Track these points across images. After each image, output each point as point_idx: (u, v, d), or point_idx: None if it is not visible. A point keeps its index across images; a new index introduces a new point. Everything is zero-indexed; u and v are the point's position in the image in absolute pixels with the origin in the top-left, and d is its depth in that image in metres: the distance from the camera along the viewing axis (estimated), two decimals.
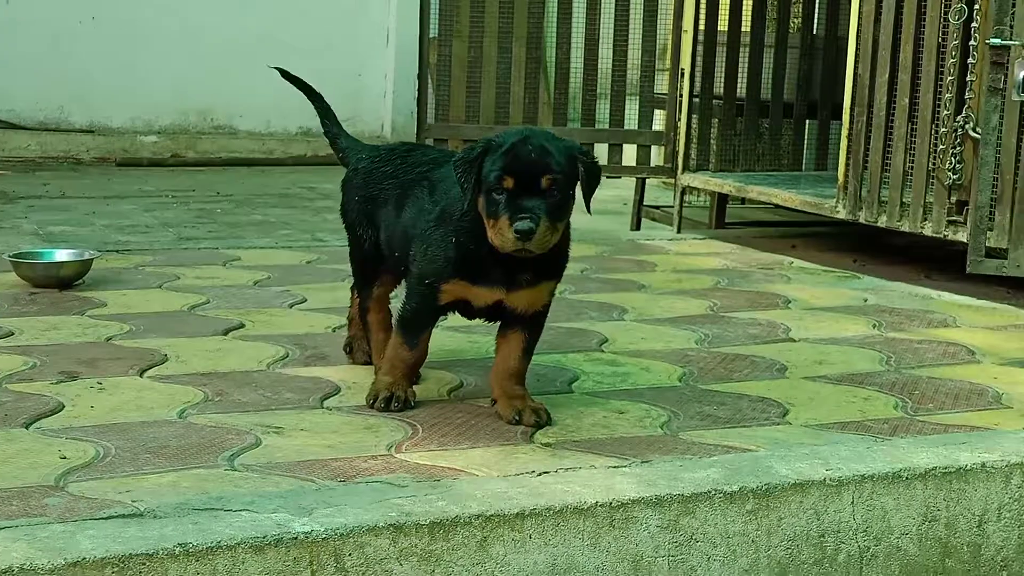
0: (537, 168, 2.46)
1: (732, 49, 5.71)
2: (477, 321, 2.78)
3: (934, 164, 4.26)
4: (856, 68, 4.63)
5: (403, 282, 2.82)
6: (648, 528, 2.24)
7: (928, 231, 4.32)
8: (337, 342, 3.21)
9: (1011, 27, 3.81)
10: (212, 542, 1.96)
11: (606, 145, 5.81)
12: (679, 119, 5.60)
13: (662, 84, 5.88)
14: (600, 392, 2.92)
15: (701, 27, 5.60)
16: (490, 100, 5.61)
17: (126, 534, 1.97)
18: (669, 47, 5.71)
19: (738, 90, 5.77)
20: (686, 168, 5.62)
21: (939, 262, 4.82)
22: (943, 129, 4.21)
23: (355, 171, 3.00)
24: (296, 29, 8.47)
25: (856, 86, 4.63)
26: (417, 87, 5.70)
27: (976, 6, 4.08)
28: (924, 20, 4.35)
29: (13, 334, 3.25)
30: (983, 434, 2.69)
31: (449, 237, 2.60)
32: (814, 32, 5.97)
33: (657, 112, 5.81)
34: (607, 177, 6.10)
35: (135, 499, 2.12)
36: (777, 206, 5.56)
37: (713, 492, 2.29)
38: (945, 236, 4.28)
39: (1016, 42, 3.78)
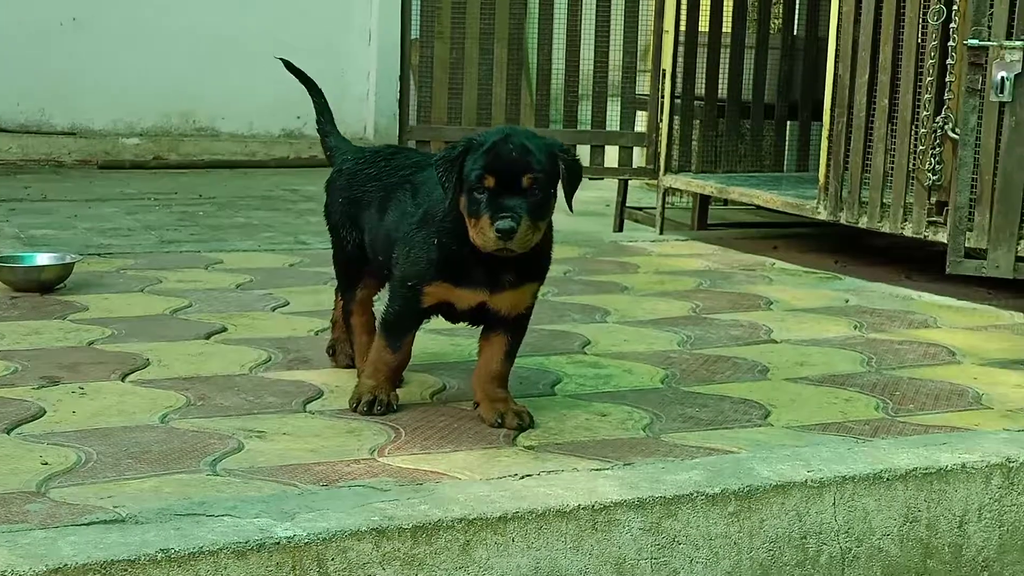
0: (518, 167, 2.47)
1: (713, 50, 5.72)
2: (460, 324, 2.78)
3: (914, 165, 4.28)
4: (836, 69, 4.65)
5: (387, 285, 2.82)
6: (631, 531, 2.24)
7: (908, 232, 4.34)
8: (320, 345, 3.21)
9: (989, 28, 3.83)
10: (194, 548, 1.96)
11: (588, 146, 5.81)
12: (661, 120, 5.61)
13: (644, 85, 5.89)
14: (583, 394, 2.93)
15: (682, 28, 5.61)
16: (472, 102, 5.62)
17: (108, 540, 1.97)
18: (650, 48, 5.72)
19: (719, 91, 5.79)
20: (668, 169, 5.63)
21: (920, 263, 4.85)
22: (923, 130, 4.23)
23: (339, 172, 3.00)
24: (278, 30, 8.45)
25: (836, 87, 4.65)
26: (399, 89, 5.69)
27: (955, 7, 4.10)
28: (903, 21, 4.37)
29: None
30: (963, 435, 2.71)
31: (431, 239, 2.61)
32: (795, 33, 5.99)
33: (639, 113, 5.81)
34: (589, 179, 6.09)
35: (117, 505, 2.12)
36: (759, 207, 5.57)
37: (695, 494, 2.29)
38: (925, 237, 4.30)
39: (994, 43, 3.80)
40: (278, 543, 2.01)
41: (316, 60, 8.51)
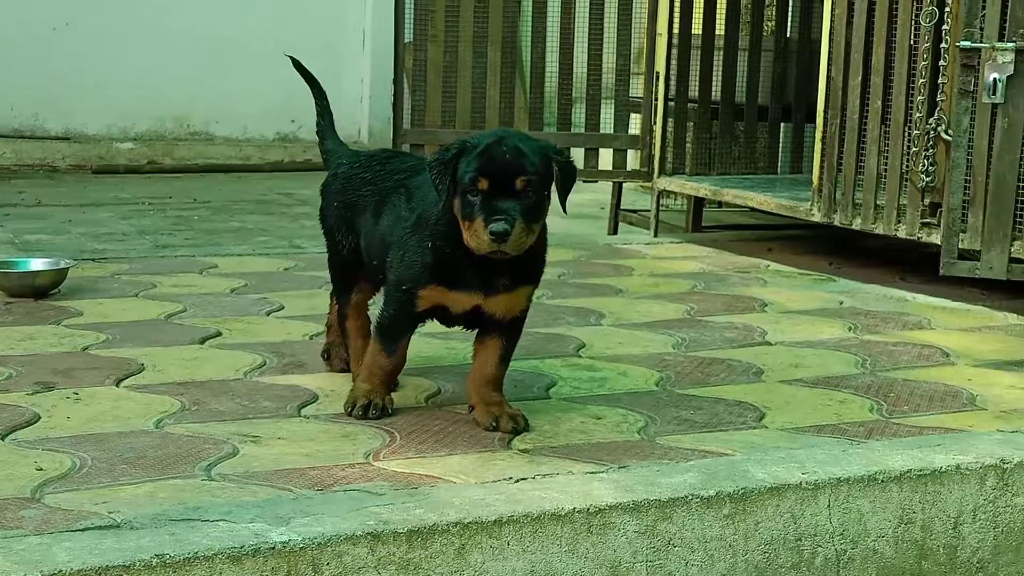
0: (512, 169, 2.47)
1: (706, 52, 5.73)
2: (455, 328, 2.78)
3: (907, 167, 4.28)
4: (829, 71, 4.65)
5: (382, 289, 2.82)
6: (626, 534, 2.24)
7: (902, 233, 4.35)
8: (315, 350, 3.21)
9: (981, 29, 3.84)
10: (189, 553, 1.96)
11: (582, 149, 5.81)
12: (655, 123, 5.62)
13: (637, 88, 5.89)
14: (577, 397, 2.93)
15: (675, 31, 5.61)
16: (466, 105, 5.62)
17: (103, 546, 1.96)
18: (644, 51, 5.72)
19: (713, 93, 5.79)
20: (662, 172, 5.64)
21: (914, 264, 4.86)
22: (916, 132, 4.24)
23: (334, 176, 3.00)
24: (272, 35, 8.45)
25: (829, 89, 4.66)
26: (393, 92, 5.69)
27: (947, 9, 4.11)
28: (896, 23, 4.38)
29: None
30: (958, 436, 2.71)
31: (425, 242, 2.61)
32: (788, 35, 6.00)
33: (633, 116, 5.82)
34: (583, 181, 6.11)
35: (112, 510, 2.12)
36: (753, 209, 5.58)
37: (690, 497, 2.30)
38: (919, 238, 4.30)
39: (986, 44, 3.80)
40: (273, 548, 2.01)
41: (311, 64, 8.53)
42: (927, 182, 4.20)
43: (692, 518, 2.29)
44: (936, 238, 4.12)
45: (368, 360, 2.75)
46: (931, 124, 4.16)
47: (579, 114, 5.86)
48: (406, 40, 5.70)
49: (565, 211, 2.64)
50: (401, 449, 2.51)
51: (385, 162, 2.91)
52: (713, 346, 3.47)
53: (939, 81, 4.14)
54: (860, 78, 4.52)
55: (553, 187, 2.55)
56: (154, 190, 7.12)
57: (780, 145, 6.06)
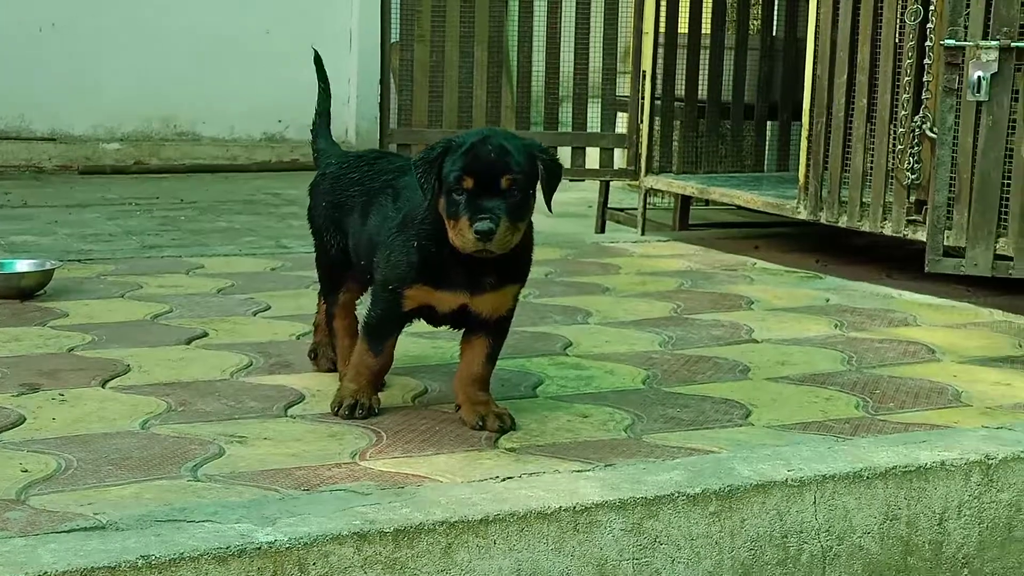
0: (497, 168, 2.47)
1: (693, 51, 5.74)
2: (442, 328, 2.78)
3: (893, 164, 4.30)
4: (815, 70, 4.67)
5: (369, 289, 2.82)
6: (612, 532, 2.25)
7: (888, 231, 4.36)
8: (301, 350, 3.21)
9: (965, 28, 3.85)
10: (175, 554, 1.95)
11: (569, 148, 5.82)
12: (641, 121, 5.62)
13: (624, 87, 5.90)
14: (564, 396, 2.93)
15: (662, 29, 5.62)
16: (453, 104, 5.62)
17: (88, 547, 1.96)
18: (630, 50, 5.73)
19: (699, 92, 5.80)
20: (649, 170, 5.64)
21: (900, 261, 4.87)
22: (901, 129, 4.25)
23: (323, 176, 3.01)
24: (258, 34, 8.44)
25: (815, 88, 4.67)
26: (380, 92, 5.69)
27: (931, 7, 4.12)
28: (881, 21, 4.39)
29: None
30: (943, 432, 2.72)
31: (411, 241, 2.61)
32: (774, 34, 6.01)
33: (620, 115, 5.83)
34: (570, 180, 6.12)
35: (97, 512, 2.11)
36: (740, 207, 5.59)
37: (676, 494, 2.30)
38: (905, 235, 4.32)
39: (970, 43, 3.82)
40: (259, 548, 2.00)
41: (296, 65, 8.53)
42: (912, 180, 4.22)
43: (678, 516, 2.30)
44: (922, 235, 4.13)
45: (355, 360, 2.75)
46: (916, 122, 4.18)
47: (566, 113, 5.87)
48: (392, 40, 5.70)
49: (550, 209, 2.64)
50: (388, 449, 2.51)
51: (373, 162, 2.91)
52: (700, 344, 3.48)
53: (924, 79, 4.16)
54: (846, 76, 4.53)
55: (538, 186, 2.56)
56: (141, 190, 7.11)
57: (767, 143, 6.08)
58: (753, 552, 2.36)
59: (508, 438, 2.59)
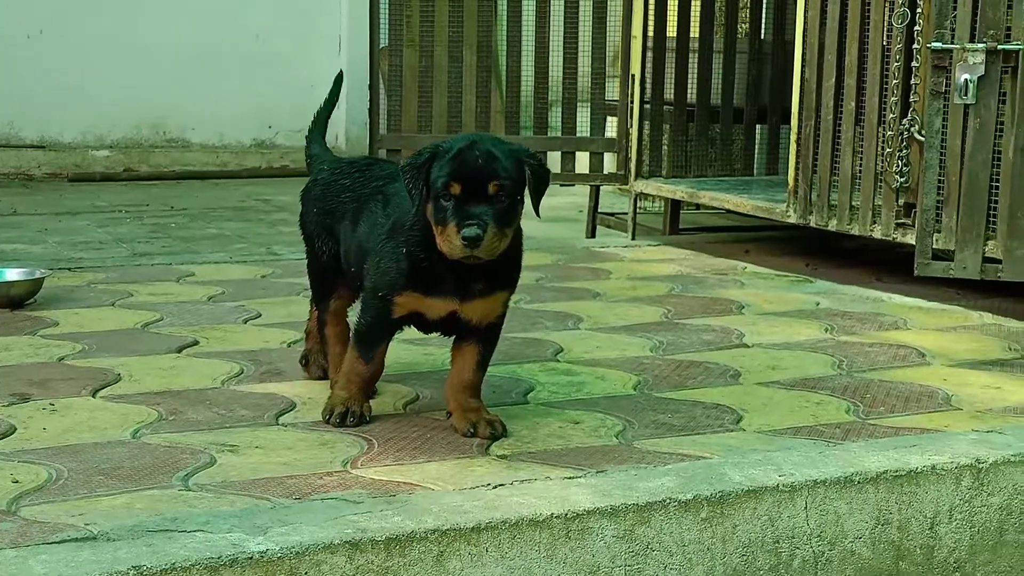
0: (484, 174, 2.47)
1: (681, 55, 5.75)
2: (433, 334, 2.78)
3: (881, 167, 4.31)
4: (803, 73, 4.67)
5: (361, 296, 2.82)
6: (604, 538, 2.25)
7: (878, 234, 4.37)
8: (292, 357, 3.21)
9: (952, 31, 3.87)
10: (166, 564, 1.95)
11: (559, 153, 5.83)
12: (631, 126, 5.63)
13: (613, 91, 5.90)
14: (555, 402, 2.93)
15: (650, 33, 5.63)
16: (442, 109, 5.62)
17: (79, 558, 1.96)
18: (619, 54, 5.74)
19: (688, 96, 5.81)
20: (639, 175, 5.65)
21: (889, 264, 4.88)
22: (889, 132, 4.27)
23: (315, 182, 3.01)
24: (248, 41, 8.44)
25: (803, 91, 4.68)
26: (369, 98, 5.69)
27: (918, 10, 4.13)
28: (868, 24, 4.40)
29: None
30: (933, 436, 2.73)
31: (400, 248, 2.61)
32: (762, 37, 6.02)
33: (609, 119, 5.83)
34: (560, 185, 6.13)
35: (88, 522, 2.11)
36: (729, 211, 5.60)
37: (668, 501, 2.30)
38: (894, 239, 4.33)
39: (957, 46, 3.83)
40: (251, 558, 2.00)
41: (286, 70, 8.55)
42: (901, 183, 4.23)
43: (670, 522, 2.30)
44: (911, 238, 4.14)
45: (346, 367, 2.75)
46: (904, 125, 4.19)
47: (555, 117, 5.87)
48: (382, 45, 5.70)
49: (538, 215, 2.65)
50: (379, 456, 2.51)
51: (365, 169, 2.91)
52: (690, 349, 3.48)
53: (912, 82, 4.17)
54: (834, 80, 4.54)
55: (527, 191, 2.56)
56: (131, 198, 7.10)
57: (756, 147, 6.09)
58: (745, 558, 2.36)
59: (499, 445, 2.59)
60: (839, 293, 4.38)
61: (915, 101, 4.15)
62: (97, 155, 8.22)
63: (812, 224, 4.69)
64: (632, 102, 5.61)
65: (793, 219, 4.78)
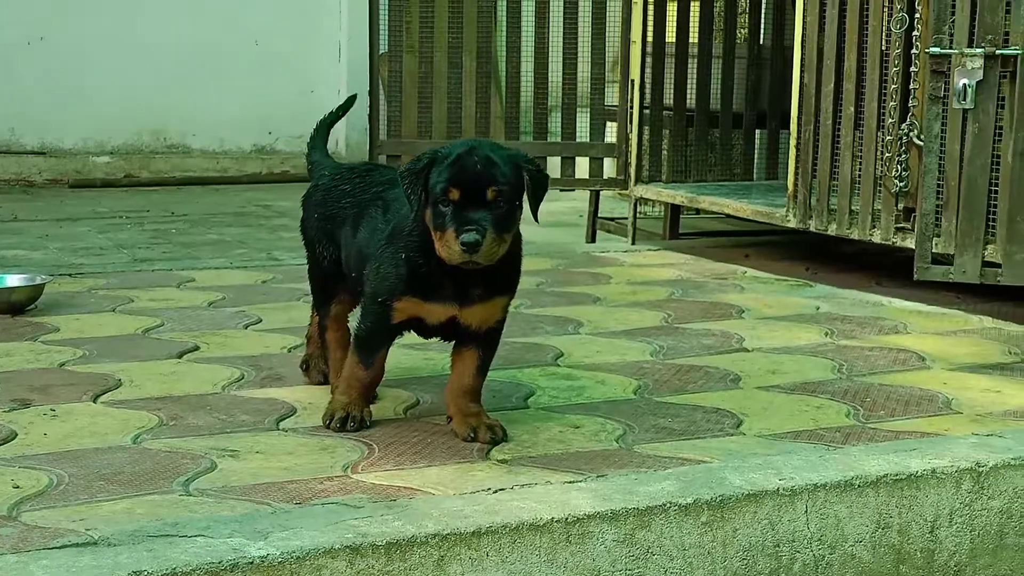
0: (482, 179, 2.48)
1: (680, 60, 5.76)
2: (433, 339, 2.79)
3: (881, 172, 4.31)
4: (802, 78, 4.68)
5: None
6: (604, 543, 2.25)
7: (877, 238, 4.38)
8: (293, 362, 3.21)
9: (950, 36, 3.87)
10: (167, 569, 1.95)
11: (559, 158, 5.83)
12: (630, 131, 5.64)
13: (613, 96, 5.91)
14: (556, 407, 2.94)
15: (649, 39, 5.64)
16: (442, 115, 5.63)
17: (80, 563, 1.96)
18: (618, 59, 5.75)
19: (688, 101, 5.82)
20: (639, 180, 5.66)
21: (889, 268, 4.89)
22: (888, 137, 4.27)
23: (316, 187, 3.02)
24: (248, 46, 8.45)
25: (802, 96, 4.69)
26: (369, 103, 5.70)
27: (917, 15, 4.14)
28: (867, 30, 4.41)
29: None
30: (933, 440, 2.73)
31: (399, 253, 2.62)
32: (761, 42, 6.03)
33: (609, 124, 5.84)
34: (560, 190, 6.14)
35: (89, 527, 2.11)
36: (729, 216, 5.60)
37: (668, 505, 2.30)
38: (894, 243, 4.33)
39: (955, 50, 3.84)
40: (251, 563, 2.00)
41: (286, 76, 8.57)
42: (900, 187, 4.23)
43: (670, 526, 2.30)
44: (910, 243, 4.15)
45: (346, 372, 2.75)
46: (903, 130, 4.20)
47: (555, 123, 5.88)
48: (381, 51, 5.71)
49: (537, 220, 2.65)
50: (380, 461, 2.51)
51: (365, 174, 2.92)
52: (691, 353, 3.48)
53: (911, 87, 4.17)
54: (833, 85, 4.55)
55: (525, 196, 2.56)
56: (131, 204, 7.11)
57: (756, 152, 6.10)
58: (745, 562, 2.37)
59: (500, 450, 2.60)
60: (839, 297, 4.38)
61: (914, 106, 4.16)
62: (98, 161, 8.23)
63: (812, 228, 4.69)
64: (632, 107, 5.62)
65: (793, 223, 4.78)
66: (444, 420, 2.74)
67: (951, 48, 3.85)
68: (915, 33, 4.16)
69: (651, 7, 5.61)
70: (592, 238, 6.01)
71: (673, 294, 4.36)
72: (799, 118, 4.70)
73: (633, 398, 3.03)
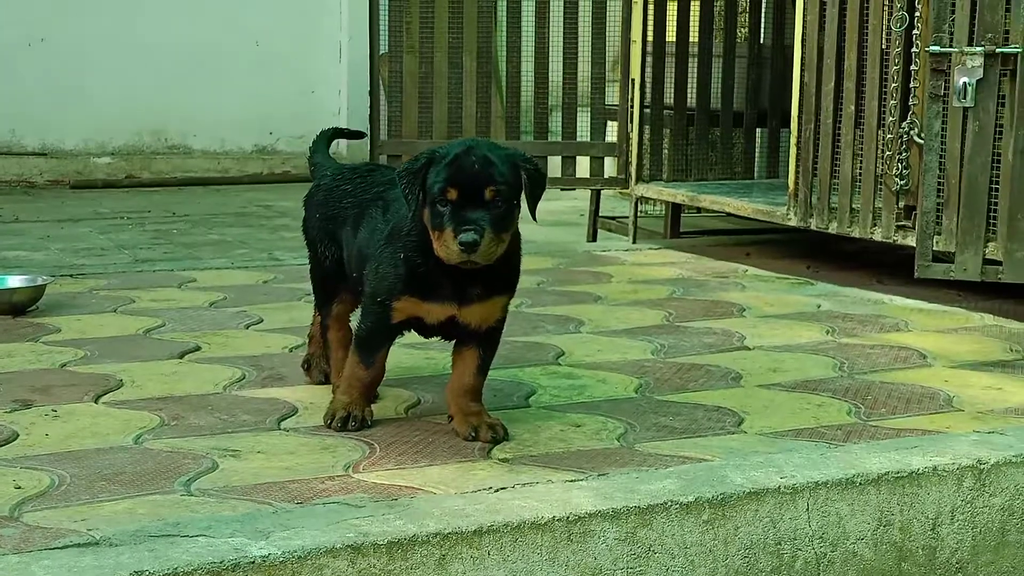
0: (480, 179, 2.48)
1: (681, 59, 5.75)
2: (434, 339, 2.79)
3: (881, 170, 4.31)
4: (802, 77, 4.68)
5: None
6: (606, 541, 2.25)
7: (878, 236, 4.38)
8: (294, 362, 3.21)
9: (950, 34, 3.87)
10: (168, 569, 1.95)
11: (559, 157, 5.83)
12: (631, 130, 5.64)
13: (613, 95, 5.91)
14: (557, 405, 2.94)
15: (649, 38, 5.64)
16: (443, 115, 5.63)
17: (81, 564, 1.96)
18: (619, 58, 5.75)
19: (688, 100, 5.82)
20: (639, 179, 5.66)
21: (890, 267, 4.89)
22: (889, 135, 4.27)
23: (317, 187, 3.02)
24: (248, 47, 8.46)
25: (803, 94, 4.69)
26: (370, 104, 5.70)
27: (917, 14, 4.14)
28: (867, 28, 4.41)
29: None
30: (935, 437, 2.73)
31: (398, 253, 2.62)
32: (761, 41, 6.03)
33: (609, 123, 5.84)
34: (561, 189, 6.14)
35: (91, 528, 2.12)
36: (730, 214, 5.60)
37: (669, 503, 2.31)
38: (895, 241, 4.33)
39: (955, 49, 3.84)
40: (253, 562, 2.01)
41: (286, 76, 8.57)
42: (901, 185, 4.23)
43: (672, 524, 2.30)
44: (911, 240, 4.15)
45: (347, 372, 2.76)
46: (904, 128, 4.20)
47: (556, 122, 5.88)
48: (382, 51, 5.71)
49: (535, 219, 2.65)
50: (381, 461, 2.51)
51: (366, 175, 2.93)
52: (692, 352, 3.49)
53: (911, 85, 4.17)
54: (833, 83, 4.55)
55: (523, 195, 2.56)
56: (132, 204, 7.12)
57: (756, 150, 6.10)
58: (747, 560, 2.37)
59: (501, 448, 2.60)
60: (840, 295, 4.38)
61: (914, 104, 4.16)
62: (99, 162, 8.24)
63: (813, 227, 4.69)
64: (632, 106, 5.62)
65: (794, 222, 4.78)
66: (445, 419, 2.74)
67: (951, 46, 3.85)
68: (915, 31, 4.16)
69: (651, 6, 5.62)
70: (593, 237, 6.01)
71: (674, 293, 4.36)
72: (800, 117, 4.70)
73: (634, 397, 3.03)
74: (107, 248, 5.55)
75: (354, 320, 2.90)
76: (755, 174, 6.05)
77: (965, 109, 3.83)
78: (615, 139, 5.78)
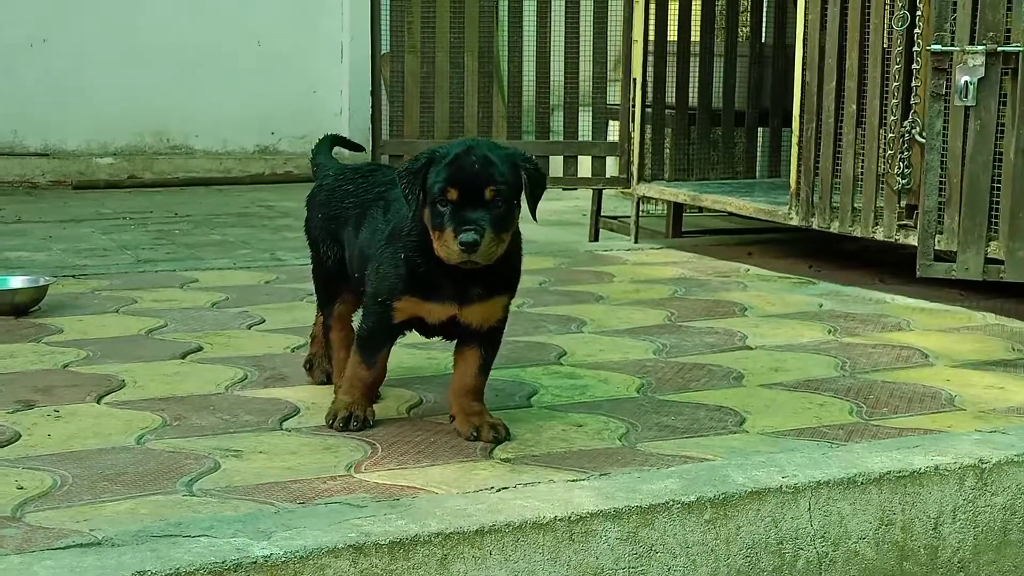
0: (480, 179, 2.48)
1: (682, 58, 5.75)
2: (435, 339, 2.79)
3: (883, 169, 4.31)
4: (803, 76, 4.68)
5: None
6: (608, 541, 2.25)
7: (880, 235, 4.38)
8: (296, 362, 3.22)
9: (952, 33, 3.87)
10: (171, 569, 1.96)
11: (561, 157, 5.84)
12: (632, 129, 5.64)
13: (615, 95, 5.91)
14: (559, 405, 2.94)
15: (651, 37, 5.64)
16: (444, 115, 5.63)
17: (84, 564, 1.96)
18: (620, 58, 5.75)
19: (690, 99, 5.82)
20: (641, 178, 5.66)
21: (892, 266, 4.88)
22: (891, 134, 4.27)
23: (319, 188, 3.02)
24: (250, 47, 8.46)
25: (804, 94, 4.69)
26: (371, 103, 5.70)
27: (918, 13, 4.14)
28: (869, 27, 4.41)
29: None
30: (936, 437, 2.73)
31: (398, 253, 2.62)
32: (763, 40, 6.03)
33: (611, 123, 5.84)
34: (563, 189, 6.14)
35: (93, 528, 2.12)
36: (732, 214, 5.60)
37: (671, 503, 2.31)
38: (896, 240, 4.33)
39: (956, 48, 3.83)
40: (255, 562, 2.01)
41: (288, 76, 8.57)
42: (903, 184, 4.23)
43: (674, 524, 2.30)
44: (913, 240, 4.15)
45: (349, 372, 2.76)
46: (905, 127, 4.19)
47: (557, 122, 5.88)
48: (383, 51, 5.71)
49: (535, 219, 2.65)
50: (383, 460, 2.51)
51: (368, 175, 2.93)
52: (694, 351, 3.49)
53: (912, 84, 4.17)
54: (834, 82, 4.54)
55: (523, 195, 2.56)
56: (135, 205, 7.12)
57: (758, 149, 6.10)
58: (749, 559, 2.37)
59: (503, 448, 2.60)
60: (842, 295, 4.38)
61: (916, 103, 4.15)
62: (101, 163, 8.24)
63: (814, 226, 4.69)
64: (634, 106, 5.62)
65: (795, 221, 4.78)
66: (447, 419, 2.75)
67: (952, 45, 3.85)
68: (916, 30, 4.16)
69: (653, 6, 5.61)
70: (595, 237, 6.01)
71: (676, 292, 4.36)
72: (801, 116, 4.70)
73: (636, 396, 3.03)
74: (109, 248, 5.55)
75: (356, 320, 2.90)
76: (757, 173, 6.05)
77: (967, 108, 3.83)
78: (617, 139, 5.78)
